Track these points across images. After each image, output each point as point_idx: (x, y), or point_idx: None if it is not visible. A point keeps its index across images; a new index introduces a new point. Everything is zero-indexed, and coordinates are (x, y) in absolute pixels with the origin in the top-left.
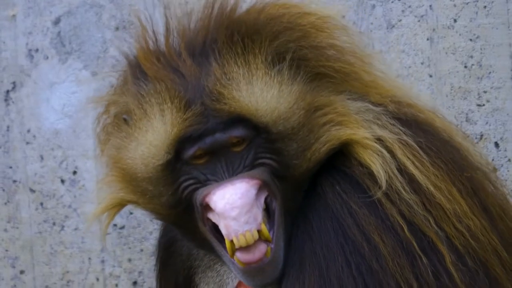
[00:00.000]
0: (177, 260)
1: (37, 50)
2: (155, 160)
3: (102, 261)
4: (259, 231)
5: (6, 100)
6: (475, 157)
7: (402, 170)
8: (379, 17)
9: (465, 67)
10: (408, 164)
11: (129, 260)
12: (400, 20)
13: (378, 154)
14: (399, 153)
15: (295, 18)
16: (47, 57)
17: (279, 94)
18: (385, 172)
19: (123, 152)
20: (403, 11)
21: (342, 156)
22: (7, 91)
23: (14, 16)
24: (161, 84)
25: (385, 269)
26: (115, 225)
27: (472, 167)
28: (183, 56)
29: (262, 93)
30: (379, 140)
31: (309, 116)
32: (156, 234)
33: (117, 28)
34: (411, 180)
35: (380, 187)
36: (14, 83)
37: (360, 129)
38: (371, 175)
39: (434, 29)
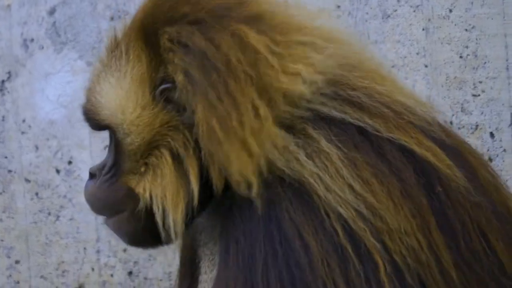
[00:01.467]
0: (188, 230)
1: (32, 40)
2: None
3: (97, 251)
4: None
5: (1, 90)
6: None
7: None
8: (375, 7)
9: (461, 57)
10: (339, 182)
11: (124, 250)
12: (395, 10)
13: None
14: (327, 175)
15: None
16: (42, 47)
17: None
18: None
19: None
20: (398, 1)
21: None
22: (2, 81)
23: (9, 5)
24: None
25: (313, 268)
26: None
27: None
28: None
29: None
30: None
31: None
32: None
33: (112, 18)
34: (350, 187)
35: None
36: (9, 73)
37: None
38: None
39: (429, 19)
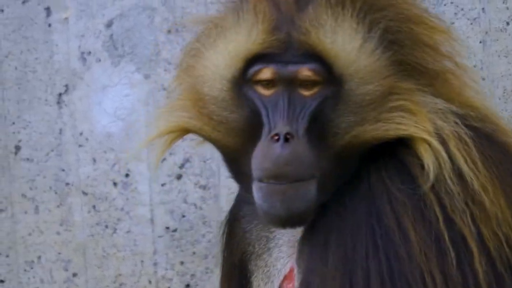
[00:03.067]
0: (234, 240)
1: (89, 53)
2: (226, 73)
3: (155, 264)
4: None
5: (58, 103)
6: None
7: (452, 161)
8: None
9: None
10: (459, 157)
11: (182, 263)
12: (452, 23)
13: (434, 149)
14: (452, 145)
15: (403, 2)
16: (100, 60)
17: (360, 49)
18: (436, 166)
19: (200, 59)
20: (455, 13)
21: (396, 142)
22: (60, 94)
23: (66, 18)
24: (259, 7)
25: (412, 258)
26: (167, 227)
27: None
28: None
29: (344, 43)
30: (437, 131)
31: (382, 97)
32: (208, 237)
33: (169, 31)
34: (458, 174)
35: (427, 181)
36: (66, 85)
37: (424, 124)
38: (422, 166)
39: (486, 32)
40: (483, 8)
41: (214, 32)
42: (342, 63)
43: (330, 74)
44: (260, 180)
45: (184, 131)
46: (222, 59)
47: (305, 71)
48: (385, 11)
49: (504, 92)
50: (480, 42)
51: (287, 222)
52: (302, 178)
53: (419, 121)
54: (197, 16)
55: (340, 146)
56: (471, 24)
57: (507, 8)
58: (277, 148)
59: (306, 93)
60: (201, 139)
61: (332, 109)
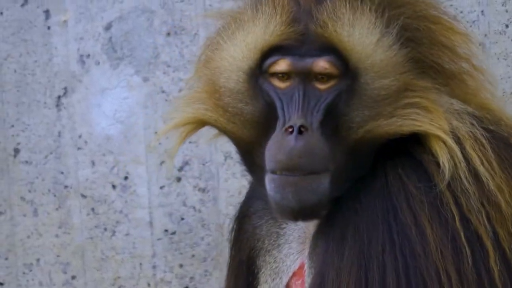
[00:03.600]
0: (243, 236)
1: (88, 56)
2: (241, 64)
3: (154, 267)
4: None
5: (57, 105)
6: None
7: (468, 161)
8: None
9: None
10: (475, 157)
11: (181, 265)
12: None
13: (449, 148)
14: (468, 145)
15: (422, 2)
16: (99, 63)
17: (377, 44)
18: (452, 165)
19: (218, 51)
20: (454, 16)
21: (410, 140)
22: (59, 97)
23: (65, 21)
24: (277, 1)
25: (428, 255)
26: (166, 230)
27: None
28: None
29: (361, 36)
30: (452, 131)
31: (397, 93)
32: (207, 240)
33: (168, 34)
34: (474, 174)
35: (443, 179)
36: (65, 88)
37: (440, 122)
38: (438, 164)
39: (485, 35)
40: (482, 11)
41: (233, 25)
42: (359, 56)
43: (346, 67)
44: (273, 172)
45: (200, 123)
46: (239, 51)
47: (321, 63)
48: (403, 8)
49: (503, 94)
50: (479, 44)
51: (299, 214)
52: (315, 171)
53: (435, 119)
54: (218, 11)
55: (354, 140)
56: (470, 26)
57: (506, 11)
58: (291, 140)
59: (321, 86)
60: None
61: (347, 103)
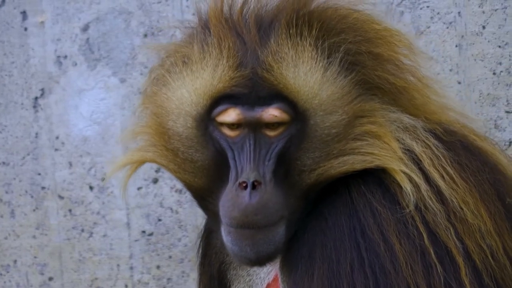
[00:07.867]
0: (212, 251)
1: (65, 57)
2: (190, 109)
3: (131, 268)
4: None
5: (34, 106)
6: None
7: (429, 181)
8: (408, 23)
9: (494, 73)
10: (435, 175)
11: (158, 267)
12: (428, 27)
13: (407, 174)
14: (426, 163)
15: (361, 23)
16: (76, 64)
17: (322, 80)
18: (414, 190)
19: (165, 89)
20: (431, 17)
21: None
22: (36, 98)
23: (42, 22)
24: (224, 42)
25: (398, 272)
26: (143, 231)
27: None
28: (250, 27)
29: (305, 76)
30: (408, 149)
31: (347, 126)
32: (184, 241)
33: (145, 35)
34: (437, 191)
35: (409, 204)
36: (42, 89)
37: (391, 152)
38: (400, 185)
39: (462, 36)
40: (459, 12)
41: (180, 64)
42: (306, 97)
43: (295, 111)
44: (230, 226)
45: (150, 161)
46: (187, 95)
47: (271, 111)
48: (343, 34)
49: (480, 96)
50: (456, 46)
51: (256, 262)
52: (271, 223)
53: (385, 148)
54: (160, 44)
55: (307, 184)
56: (447, 28)
57: (483, 12)
58: (245, 197)
59: (271, 133)
60: None
61: (298, 146)
